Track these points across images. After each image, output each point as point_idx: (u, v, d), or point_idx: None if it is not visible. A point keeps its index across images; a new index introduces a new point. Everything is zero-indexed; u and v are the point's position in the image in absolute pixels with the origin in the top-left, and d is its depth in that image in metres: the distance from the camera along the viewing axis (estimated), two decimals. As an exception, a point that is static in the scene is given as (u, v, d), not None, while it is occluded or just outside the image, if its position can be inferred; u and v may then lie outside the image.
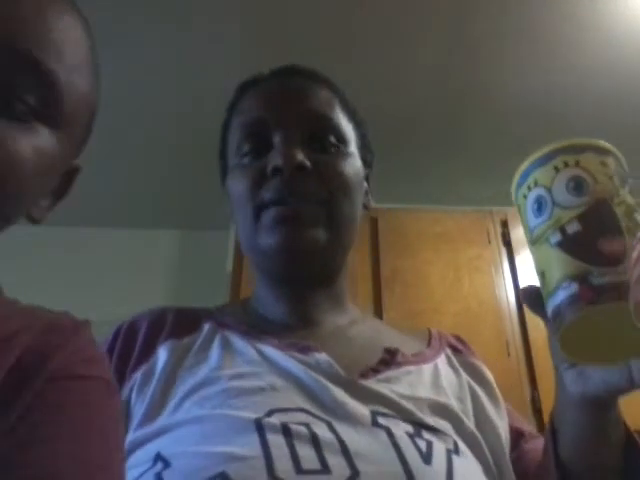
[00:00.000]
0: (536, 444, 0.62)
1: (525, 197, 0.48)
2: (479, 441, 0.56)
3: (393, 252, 2.10)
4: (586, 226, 0.44)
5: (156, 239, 2.67)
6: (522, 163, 0.48)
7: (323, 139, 0.66)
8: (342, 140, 0.67)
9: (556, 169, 0.47)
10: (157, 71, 1.89)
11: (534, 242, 0.46)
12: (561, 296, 0.43)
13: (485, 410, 0.61)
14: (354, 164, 0.68)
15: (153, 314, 0.65)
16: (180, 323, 0.63)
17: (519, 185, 0.49)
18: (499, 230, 2.17)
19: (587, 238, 0.44)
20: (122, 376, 0.57)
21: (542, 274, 0.45)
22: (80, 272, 2.49)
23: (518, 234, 2.14)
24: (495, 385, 0.66)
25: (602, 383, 0.46)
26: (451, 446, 0.53)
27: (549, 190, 0.46)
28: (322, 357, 0.58)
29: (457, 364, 0.66)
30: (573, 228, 0.45)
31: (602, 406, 0.50)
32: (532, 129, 2.17)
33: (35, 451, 0.34)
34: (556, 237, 0.45)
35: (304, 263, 0.64)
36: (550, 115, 2.13)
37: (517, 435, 0.63)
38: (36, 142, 0.39)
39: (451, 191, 2.54)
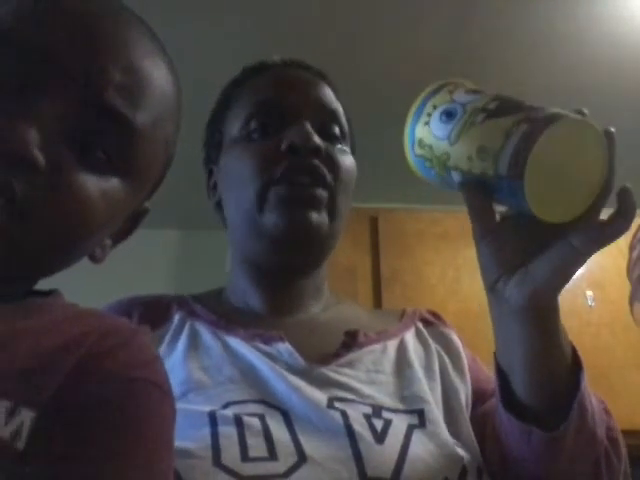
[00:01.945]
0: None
1: (427, 123, 0.51)
2: (443, 404, 0.58)
3: (393, 252, 2.10)
4: (503, 98, 0.49)
5: (156, 239, 2.67)
6: (412, 104, 0.53)
7: (330, 131, 0.68)
8: (343, 136, 0.70)
9: (449, 91, 0.52)
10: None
11: (458, 137, 0.48)
12: (514, 140, 0.44)
13: (450, 377, 0.62)
14: (352, 160, 0.70)
15: (119, 312, 0.65)
16: (150, 316, 0.63)
17: (417, 118, 0.52)
18: (499, 230, 2.17)
19: (511, 101, 0.48)
20: None
21: (481, 149, 0.46)
22: (79, 272, 2.49)
23: (518, 234, 2.14)
24: (461, 349, 0.67)
25: (550, 269, 0.46)
26: (415, 421, 0.54)
27: (452, 101, 0.51)
28: (284, 347, 0.59)
29: (427, 335, 0.68)
30: (494, 104, 0.48)
31: (547, 309, 0.49)
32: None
33: (84, 450, 0.35)
34: (482, 115, 0.48)
35: (307, 247, 0.65)
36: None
37: (480, 395, 0.64)
38: (107, 190, 0.40)
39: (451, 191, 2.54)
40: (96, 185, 0.39)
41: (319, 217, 0.63)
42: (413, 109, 0.53)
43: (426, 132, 0.51)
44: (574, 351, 0.52)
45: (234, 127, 0.68)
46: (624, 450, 0.55)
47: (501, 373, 0.53)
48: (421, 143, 0.51)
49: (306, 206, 0.62)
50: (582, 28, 1.80)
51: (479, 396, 0.63)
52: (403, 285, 2.04)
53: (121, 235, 0.49)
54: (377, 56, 1.90)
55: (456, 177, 0.50)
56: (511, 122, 0.45)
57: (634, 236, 1.02)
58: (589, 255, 0.46)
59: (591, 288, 2.01)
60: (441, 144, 0.50)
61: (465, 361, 0.66)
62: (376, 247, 2.11)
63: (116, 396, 0.38)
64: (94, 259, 0.47)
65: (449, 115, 0.50)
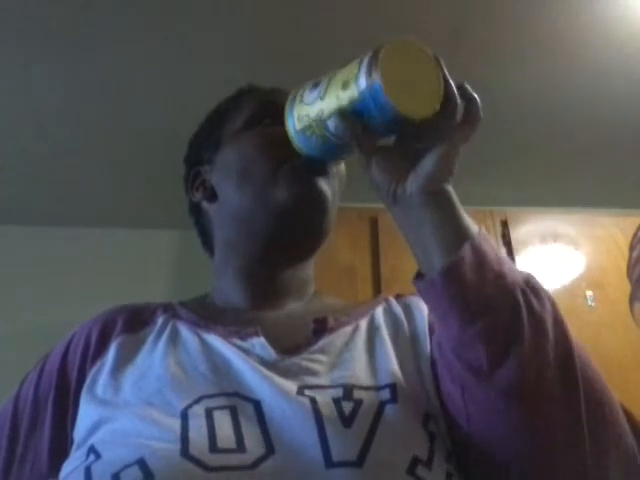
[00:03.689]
0: None
1: (302, 100, 0.60)
2: (411, 367, 0.60)
3: (393, 252, 2.09)
4: None
5: (156, 239, 2.67)
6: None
7: None
8: None
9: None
10: (156, 70, 1.90)
11: (326, 90, 0.57)
12: (365, 60, 0.54)
13: (406, 338, 0.65)
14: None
15: (104, 318, 0.68)
16: (135, 319, 0.67)
17: (292, 104, 0.61)
18: (499, 230, 2.17)
19: None
20: (84, 376, 0.61)
21: (344, 84, 0.55)
22: (80, 272, 2.50)
23: (518, 234, 2.14)
24: (420, 308, 0.68)
25: (434, 161, 0.53)
26: (387, 396, 0.55)
27: (317, 78, 0.60)
28: (258, 341, 0.61)
29: (395, 306, 0.70)
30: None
31: (442, 191, 0.54)
32: (532, 130, 2.17)
33: None
34: (340, 68, 0.57)
35: (317, 215, 0.68)
36: (550, 116, 2.13)
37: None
38: None
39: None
40: None
41: (329, 187, 0.68)
42: (288, 102, 0.61)
43: (302, 106, 0.59)
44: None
45: (237, 122, 0.73)
46: (549, 300, 0.52)
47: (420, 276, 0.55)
48: (300, 117, 0.59)
49: (318, 176, 0.67)
50: (582, 29, 1.80)
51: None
52: (403, 285, 2.03)
53: None
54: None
55: (332, 124, 0.56)
56: (361, 56, 0.55)
57: (634, 236, 1.02)
58: (460, 143, 0.54)
59: (591, 288, 2.01)
60: (315, 105, 0.57)
61: (421, 309, 0.67)
62: (376, 247, 2.11)
63: None
64: None
65: (316, 84, 0.58)
